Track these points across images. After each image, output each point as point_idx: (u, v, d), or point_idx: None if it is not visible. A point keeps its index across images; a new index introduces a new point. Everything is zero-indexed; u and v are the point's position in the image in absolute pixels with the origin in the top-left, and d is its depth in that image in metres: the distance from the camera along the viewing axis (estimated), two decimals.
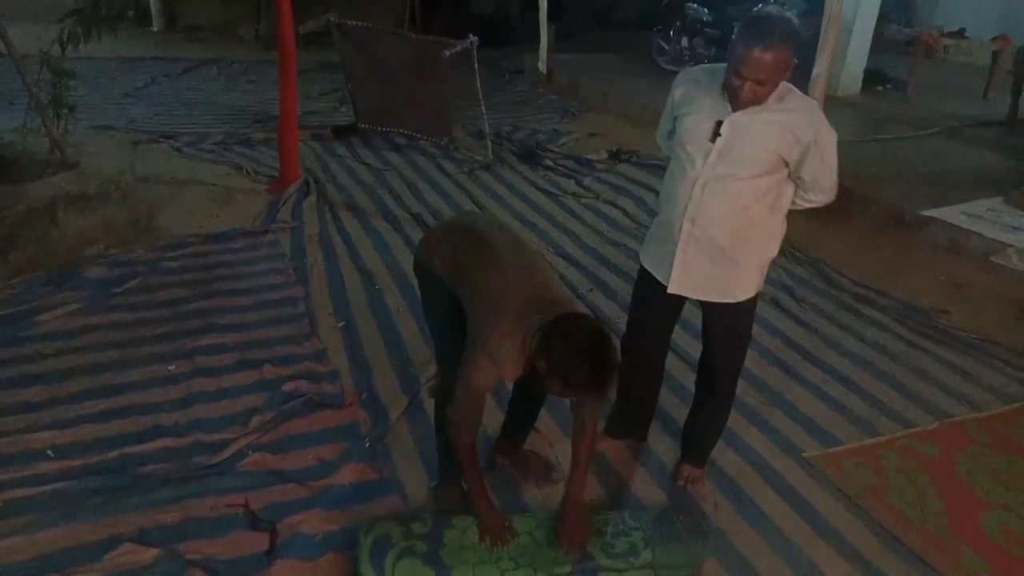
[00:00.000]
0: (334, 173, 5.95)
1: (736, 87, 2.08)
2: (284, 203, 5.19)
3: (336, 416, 3.01)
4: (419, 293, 2.56)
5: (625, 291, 4.19)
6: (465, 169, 6.20)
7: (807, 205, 2.37)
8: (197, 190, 5.34)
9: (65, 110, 4.29)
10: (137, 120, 7.03)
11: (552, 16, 9.88)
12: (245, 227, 4.80)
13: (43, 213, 3.78)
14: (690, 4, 8.45)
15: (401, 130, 6.88)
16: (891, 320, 4.02)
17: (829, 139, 2.20)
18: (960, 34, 8.58)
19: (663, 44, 9.03)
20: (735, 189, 2.20)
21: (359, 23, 6.58)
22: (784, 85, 2.17)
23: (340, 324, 3.71)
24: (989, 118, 7.34)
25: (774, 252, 2.41)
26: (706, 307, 2.47)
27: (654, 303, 2.54)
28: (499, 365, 2.00)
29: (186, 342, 3.45)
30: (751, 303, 2.46)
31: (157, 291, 3.91)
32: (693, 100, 2.27)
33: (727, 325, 2.48)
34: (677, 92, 2.36)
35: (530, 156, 6.53)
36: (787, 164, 2.20)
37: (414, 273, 2.53)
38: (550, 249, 4.75)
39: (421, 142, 6.79)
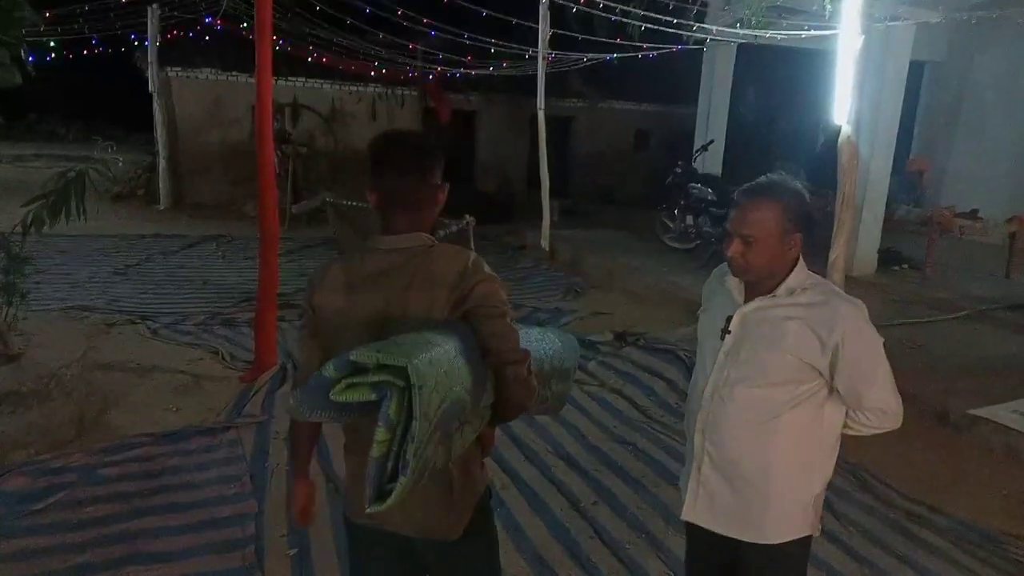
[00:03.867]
0: None
1: (725, 248, 1.84)
2: (255, 393, 4.71)
3: None
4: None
5: (635, 504, 3.59)
6: None
7: (864, 431, 1.91)
8: (162, 379, 4.89)
9: (17, 298, 3.91)
10: (119, 299, 6.74)
11: (556, 193, 9.91)
12: (207, 422, 4.29)
13: None
14: (693, 184, 8.41)
15: None
16: (953, 547, 3.35)
17: (860, 341, 1.77)
18: (973, 214, 8.43)
19: (667, 222, 8.93)
20: (751, 398, 1.84)
21: (353, 202, 6.44)
22: (804, 276, 1.83)
23: (292, 552, 3.09)
24: (1018, 299, 6.95)
25: (818, 487, 1.92)
26: (740, 547, 1.95)
27: (698, 543, 2.09)
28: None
29: None
30: (796, 549, 1.91)
31: (85, 507, 3.32)
32: (712, 296, 2.03)
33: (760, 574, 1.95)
34: (705, 291, 2.11)
35: None
36: (821, 373, 1.78)
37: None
38: (549, 448, 4.19)
39: None
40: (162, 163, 11.86)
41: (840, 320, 1.75)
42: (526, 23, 7.78)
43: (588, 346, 5.97)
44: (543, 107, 8.55)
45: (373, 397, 1.37)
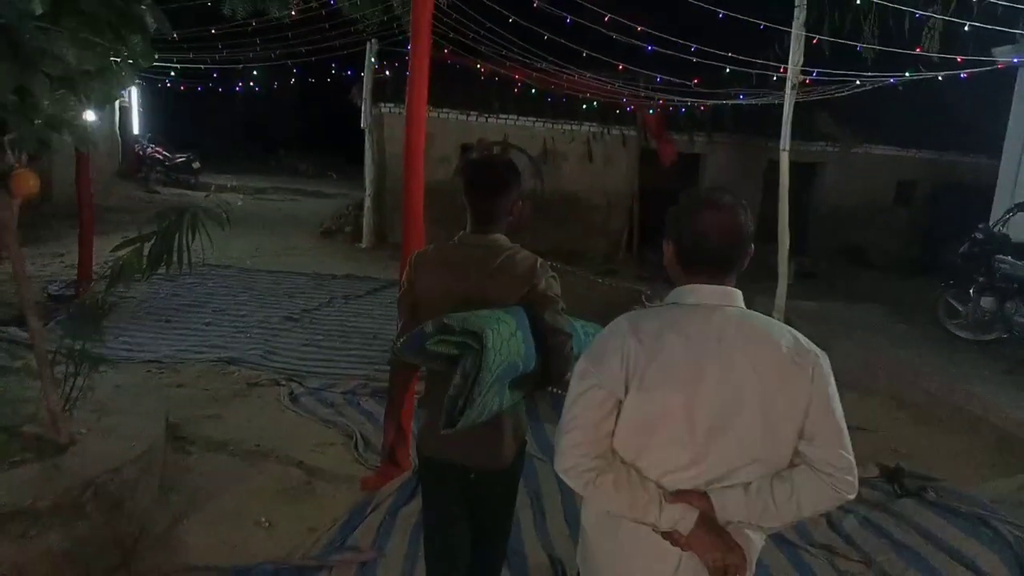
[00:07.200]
0: None
1: None
2: (373, 510, 3.56)
3: None
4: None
5: None
6: None
7: None
8: (272, 472, 3.92)
9: (85, 368, 3.08)
10: (278, 351, 6.04)
11: (794, 251, 8.01)
12: (296, 553, 3.19)
13: None
14: (1002, 258, 6.18)
15: None
16: None
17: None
18: None
19: (955, 304, 6.72)
20: None
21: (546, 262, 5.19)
22: (670, 296, 1.69)
23: None
24: None
25: None
26: None
27: None
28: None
29: None
30: None
31: None
32: None
33: None
34: None
35: None
36: None
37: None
38: None
39: None
40: (367, 200, 11.59)
41: None
42: (776, 25, 5.77)
43: None
44: (787, 148, 6.83)
45: (455, 352, 1.90)
